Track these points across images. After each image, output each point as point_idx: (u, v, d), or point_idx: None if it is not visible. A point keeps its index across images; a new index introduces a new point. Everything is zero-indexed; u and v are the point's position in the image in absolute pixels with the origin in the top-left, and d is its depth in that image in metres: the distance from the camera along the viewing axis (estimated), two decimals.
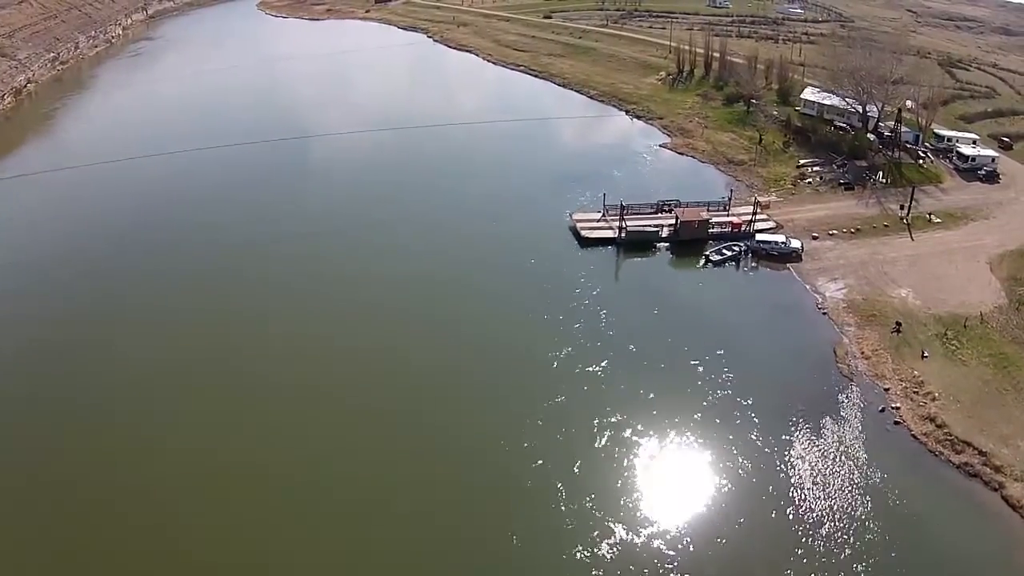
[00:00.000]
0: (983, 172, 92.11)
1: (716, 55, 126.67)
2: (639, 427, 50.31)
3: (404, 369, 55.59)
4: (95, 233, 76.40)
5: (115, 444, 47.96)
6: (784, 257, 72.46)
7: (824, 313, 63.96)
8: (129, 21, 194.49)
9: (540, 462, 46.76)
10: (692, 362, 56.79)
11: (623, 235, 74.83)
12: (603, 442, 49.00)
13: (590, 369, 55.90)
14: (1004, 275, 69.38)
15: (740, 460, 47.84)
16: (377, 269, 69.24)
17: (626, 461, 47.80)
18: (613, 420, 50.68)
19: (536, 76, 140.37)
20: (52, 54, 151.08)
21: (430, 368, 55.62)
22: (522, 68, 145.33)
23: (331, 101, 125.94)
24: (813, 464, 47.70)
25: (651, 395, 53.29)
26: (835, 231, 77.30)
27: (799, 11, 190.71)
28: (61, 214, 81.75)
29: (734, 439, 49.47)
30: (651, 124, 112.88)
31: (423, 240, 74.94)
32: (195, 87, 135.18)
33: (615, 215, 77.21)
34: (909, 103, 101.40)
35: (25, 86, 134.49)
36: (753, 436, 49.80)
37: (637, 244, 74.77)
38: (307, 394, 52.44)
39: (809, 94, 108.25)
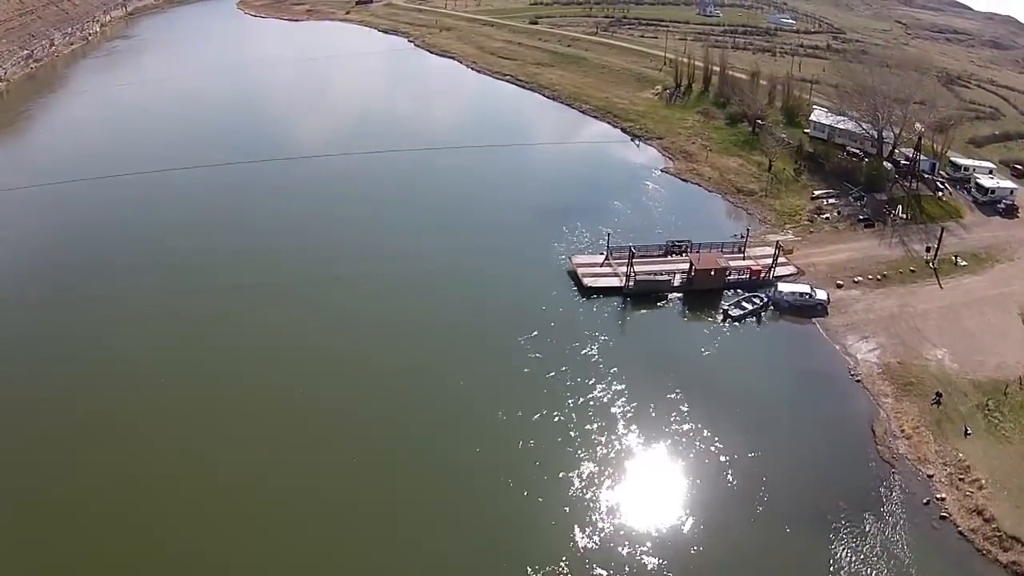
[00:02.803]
0: (1002, 206, 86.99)
1: (715, 68, 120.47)
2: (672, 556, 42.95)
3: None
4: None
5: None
6: (809, 310, 65.72)
7: (858, 380, 57.81)
8: (108, 18, 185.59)
9: None
10: (722, 458, 49.48)
11: (631, 284, 67.27)
12: None
13: (610, 488, 47.02)
14: None
15: None
16: (335, 340, 59.40)
17: None
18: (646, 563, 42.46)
19: (523, 87, 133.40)
20: (26, 52, 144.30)
21: (398, 501, 45.65)
22: (508, 78, 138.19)
23: (300, 118, 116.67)
24: None
25: (680, 518, 45.71)
26: (860, 277, 71.07)
27: (791, 22, 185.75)
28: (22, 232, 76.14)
29: (771, 556, 42.88)
30: (650, 144, 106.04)
31: (397, 295, 65.27)
32: (164, 95, 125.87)
33: (619, 258, 70.27)
34: (918, 126, 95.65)
35: None
36: (792, 550, 43.40)
37: (646, 294, 67.18)
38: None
39: (819, 116, 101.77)
